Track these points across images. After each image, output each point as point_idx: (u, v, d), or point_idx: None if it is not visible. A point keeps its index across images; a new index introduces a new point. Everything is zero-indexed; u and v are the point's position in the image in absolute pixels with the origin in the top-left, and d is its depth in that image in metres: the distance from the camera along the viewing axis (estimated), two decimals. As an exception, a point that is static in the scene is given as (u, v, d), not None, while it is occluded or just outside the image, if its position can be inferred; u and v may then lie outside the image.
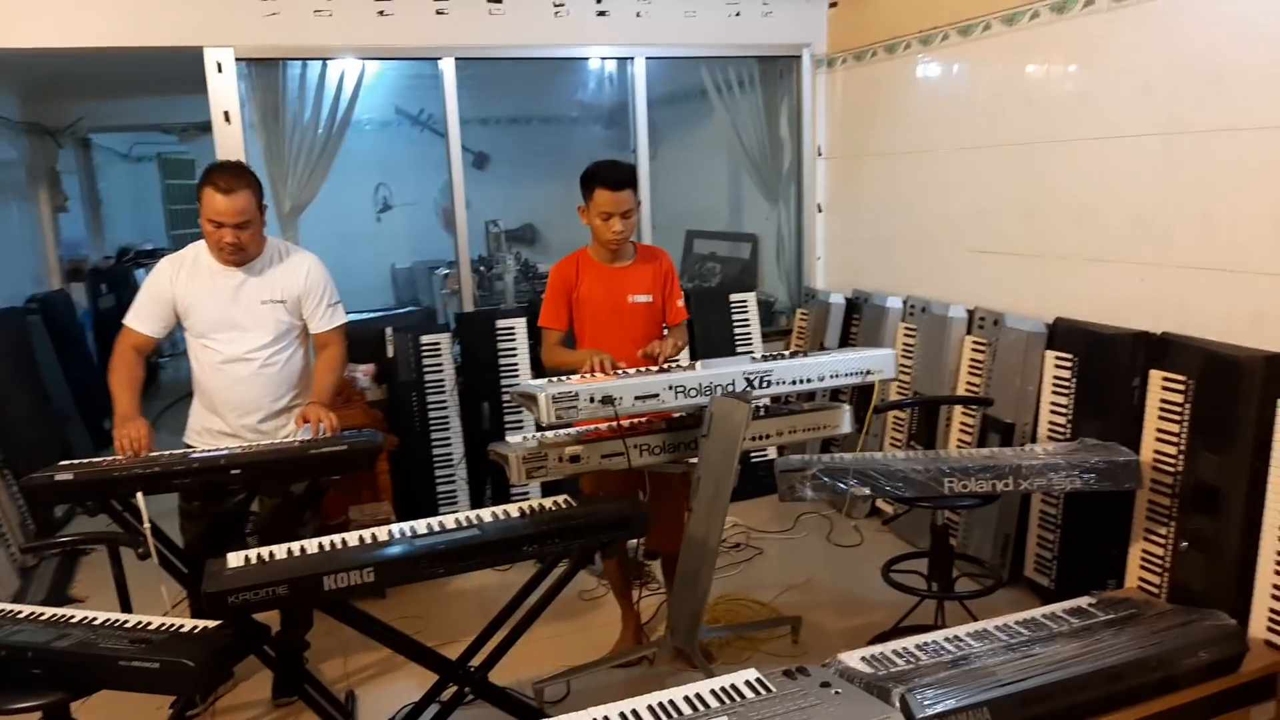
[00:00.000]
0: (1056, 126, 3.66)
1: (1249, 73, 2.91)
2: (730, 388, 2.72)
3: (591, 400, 2.59)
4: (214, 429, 3.10)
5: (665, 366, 2.86)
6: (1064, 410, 3.50)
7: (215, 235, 2.93)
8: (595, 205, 3.03)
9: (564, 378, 2.89)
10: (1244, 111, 2.94)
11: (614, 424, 2.78)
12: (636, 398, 2.63)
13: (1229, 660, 2.53)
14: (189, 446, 3.09)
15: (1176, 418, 3.05)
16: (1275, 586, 2.71)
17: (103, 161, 8.82)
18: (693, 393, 2.69)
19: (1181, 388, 3.04)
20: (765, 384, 2.76)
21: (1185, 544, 3.01)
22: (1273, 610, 2.71)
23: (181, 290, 3.01)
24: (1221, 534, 2.90)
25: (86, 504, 2.78)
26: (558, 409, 2.57)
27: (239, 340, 3.03)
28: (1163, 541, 3.09)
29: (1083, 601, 2.82)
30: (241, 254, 2.97)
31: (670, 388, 2.67)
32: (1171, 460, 3.06)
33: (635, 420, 2.90)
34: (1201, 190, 3.11)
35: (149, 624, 2.33)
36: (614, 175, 3.02)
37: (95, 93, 6.63)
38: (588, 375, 2.81)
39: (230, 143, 4.15)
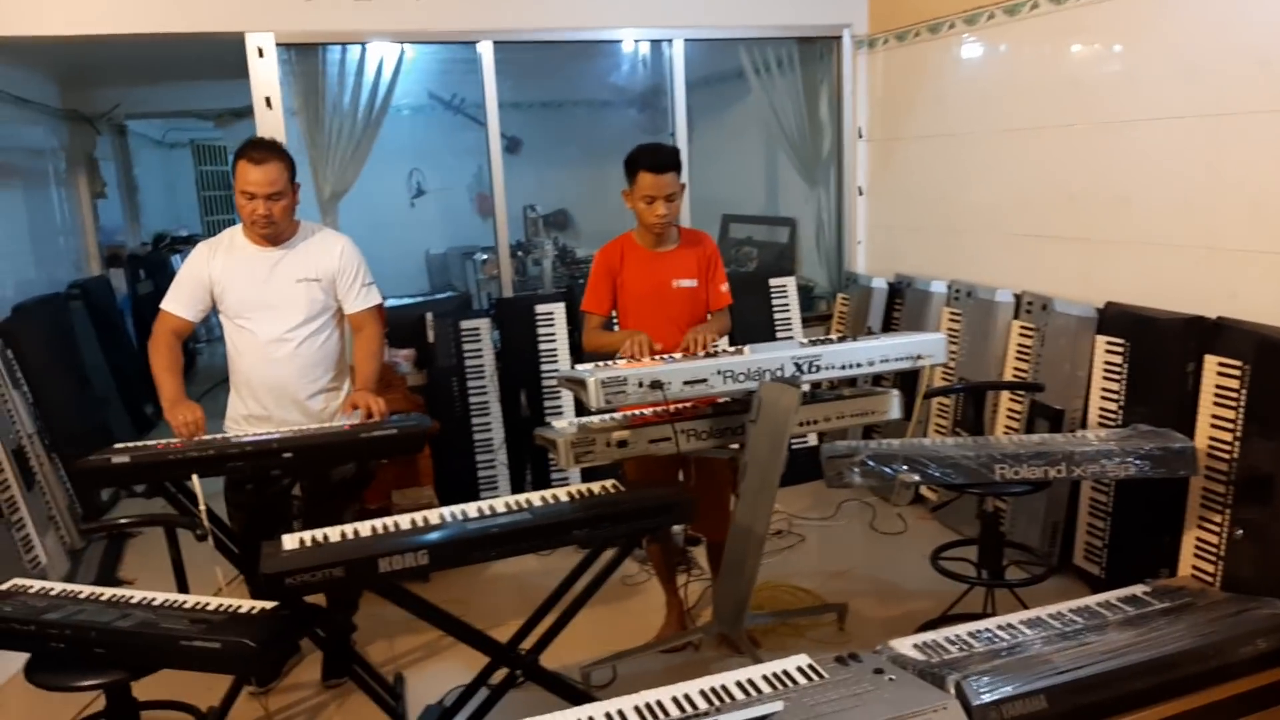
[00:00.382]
0: (1102, 108, 3.60)
1: (1310, 51, 2.85)
2: (779, 373, 2.70)
3: (640, 385, 2.57)
4: (253, 414, 3.12)
5: (712, 351, 2.85)
6: (1115, 396, 3.45)
7: (248, 208, 2.94)
8: (639, 189, 3.01)
9: (608, 361, 2.89)
10: (1300, 92, 2.88)
11: (662, 408, 2.78)
12: (685, 383, 2.62)
13: (1287, 650, 2.50)
14: (227, 434, 3.12)
15: (1232, 403, 3.00)
16: (1335, 575, 2.66)
17: (137, 148, 8.89)
18: (741, 378, 2.67)
19: (1237, 373, 2.99)
20: (814, 369, 2.74)
21: (1240, 532, 2.96)
22: (1332, 599, 2.66)
23: (218, 272, 3.03)
24: (1275, 522, 2.85)
25: (138, 487, 2.82)
26: (606, 393, 2.56)
27: (274, 320, 3.04)
28: (1217, 529, 3.04)
29: (1137, 590, 2.79)
30: (274, 228, 2.99)
31: (719, 372, 2.65)
32: (1226, 447, 3.01)
33: (680, 405, 2.89)
34: (1249, 174, 3.06)
35: (207, 605, 2.36)
36: (657, 158, 3.01)
37: (132, 79, 6.68)
38: (627, 358, 2.81)
39: (271, 128, 4.16)
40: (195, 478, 2.67)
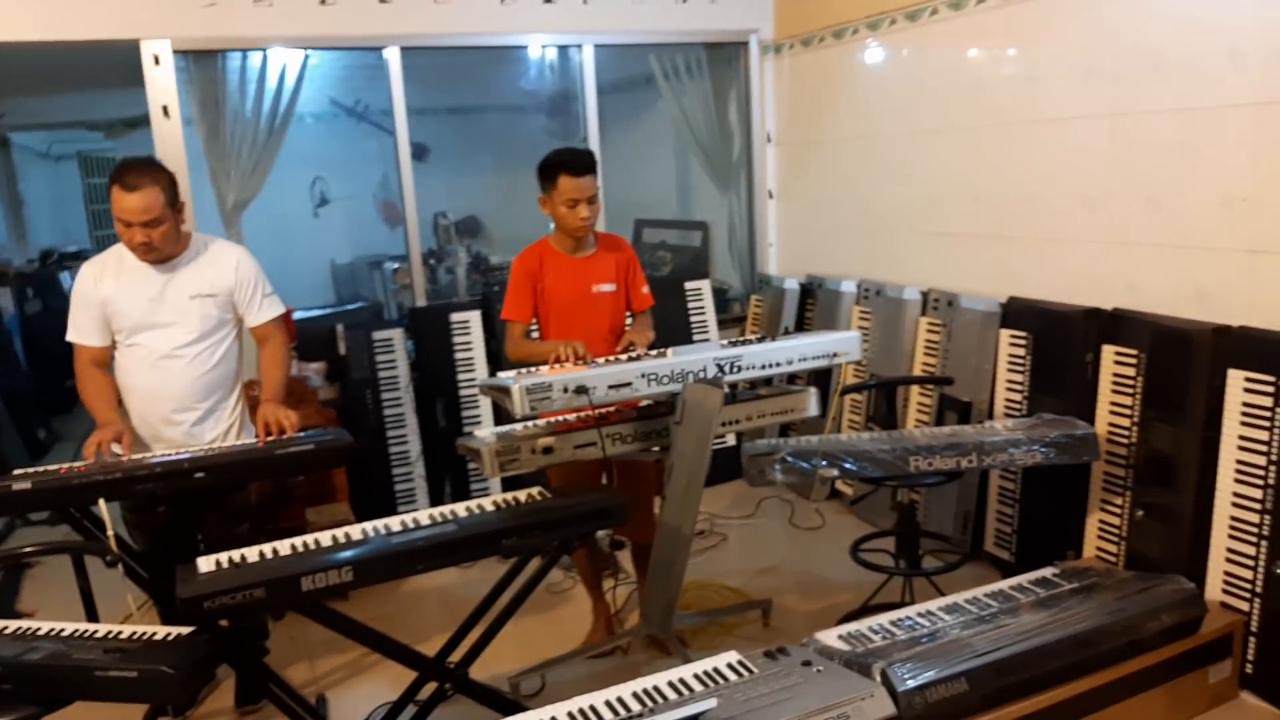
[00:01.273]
0: (1004, 110, 3.74)
1: (1190, 56, 3.00)
2: (702, 374, 2.73)
3: (565, 390, 2.57)
4: (145, 436, 3.00)
5: (636, 355, 2.86)
6: (1020, 387, 3.58)
7: (126, 235, 2.82)
8: (560, 193, 3.01)
9: (534, 369, 2.87)
10: (1186, 94, 3.04)
11: (588, 414, 2.78)
12: (610, 387, 2.62)
13: (1190, 623, 2.64)
14: (116, 455, 2.99)
15: (1130, 391, 3.15)
16: (1229, 550, 2.81)
17: (21, 161, 8.49)
18: (665, 380, 2.69)
19: (1134, 361, 3.14)
20: (736, 369, 2.78)
21: (1140, 513, 3.11)
22: (1228, 574, 2.82)
23: (107, 292, 2.90)
24: (1175, 502, 3.00)
25: (36, 514, 2.69)
26: (532, 400, 2.55)
27: (167, 337, 2.92)
28: (1119, 511, 3.19)
29: (1047, 572, 2.91)
30: (155, 253, 2.86)
31: (643, 375, 2.67)
32: (1125, 432, 3.16)
33: (605, 409, 2.89)
34: (1146, 170, 3.21)
35: (120, 633, 2.27)
36: (578, 161, 3.01)
37: (16, 89, 6.37)
38: (561, 365, 2.80)
39: (170, 138, 4.03)
40: (102, 502, 2.56)
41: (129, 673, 2.09)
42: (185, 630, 2.29)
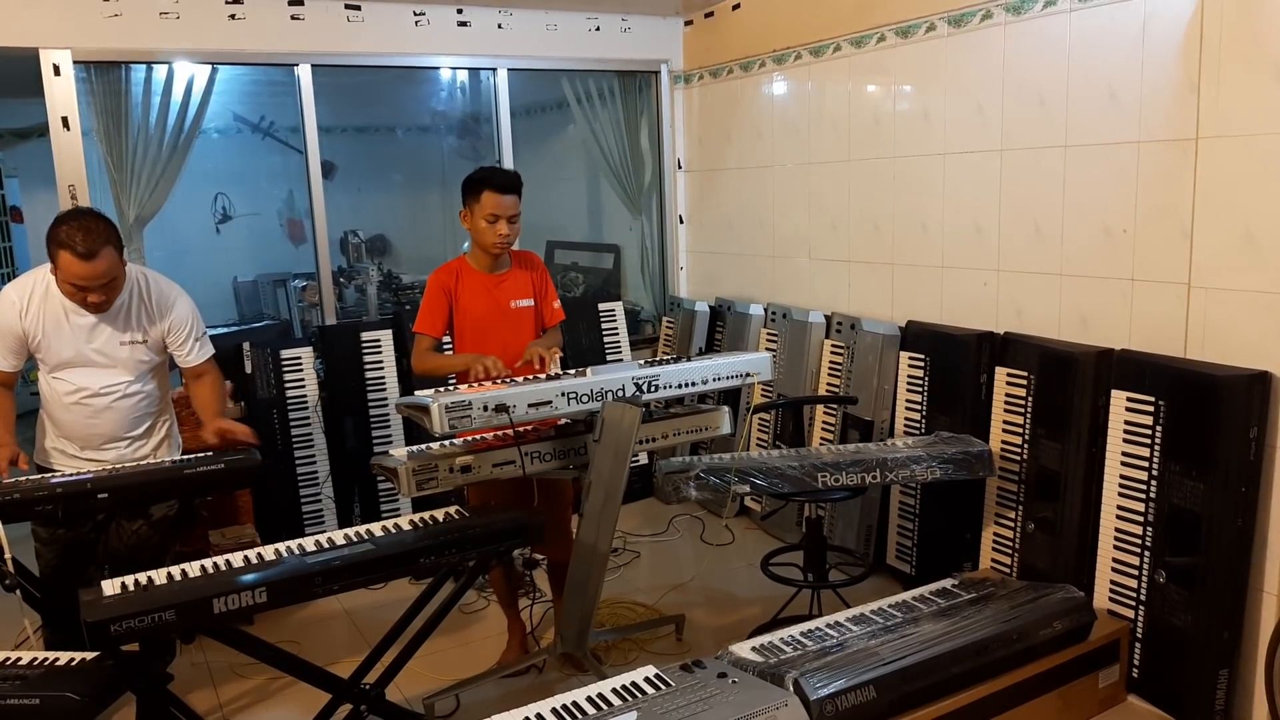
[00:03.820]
0: (900, 143, 3.92)
1: (1074, 96, 3.21)
2: (621, 393, 2.78)
3: (485, 409, 2.59)
4: (64, 451, 2.92)
5: (555, 374, 2.90)
6: (918, 406, 3.74)
7: (76, 297, 2.72)
8: (482, 208, 3.03)
9: (450, 385, 2.88)
10: (1069, 131, 3.24)
11: (505, 432, 2.80)
12: (530, 405, 2.65)
13: (1080, 630, 2.79)
14: (40, 467, 2.89)
15: (1020, 410, 3.32)
16: (1115, 561, 2.99)
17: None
18: (585, 399, 2.73)
19: (1024, 383, 3.32)
20: (653, 388, 2.84)
21: (1032, 526, 3.28)
22: (1114, 582, 2.99)
23: (31, 324, 2.80)
24: (1062, 515, 3.17)
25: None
26: (450, 419, 2.55)
27: (94, 377, 2.86)
28: (1012, 525, 3.35)
29: (946, 583, 3.04)
30: (106, 307, 2.79)
31: (563, 394, 2.70)
32: (1017, 449, 3.33)
33: (523, 427, 2.91)
34: (1032, 202, 3.40)
35: (18, 659, 2.18)
36: (503, 179, 3.05)
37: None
38: (479, 381, 2.81)
39: (70, 150, 3.90)
40: (-1, 524, 2.47)
41: (30, 700, 2.02)
42: (89, 655, 2.22)
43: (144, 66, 4.11)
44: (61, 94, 3.88)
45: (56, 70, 3.86)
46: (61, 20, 3.82)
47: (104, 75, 4.03)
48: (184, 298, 3.01)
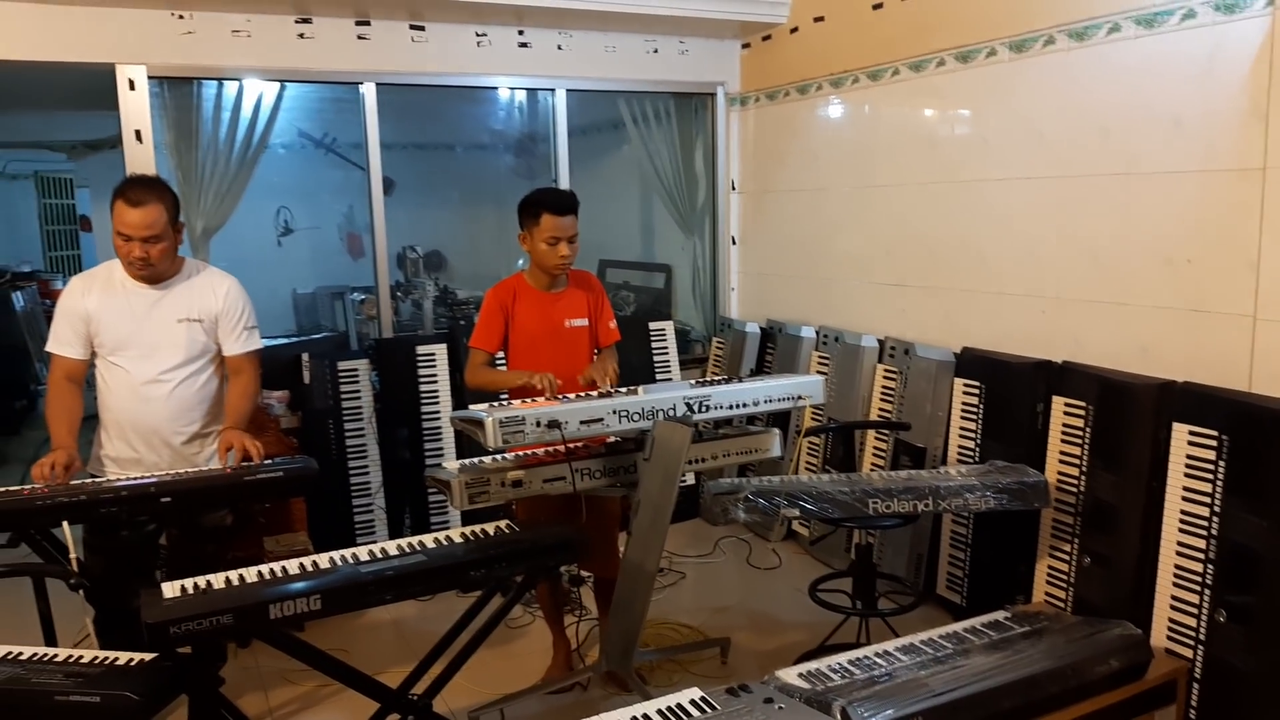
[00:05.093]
0: (957, 168, 3.89)
1: (1136, 124, 3.17)
2: (672, 412, 2.79)
3: (538, 425, 2.61)
4: (122, 457, 2.99)
5: (606, 391, 2.91)
6: (972, 434, 3.69)
7: (124, 249, 2.84)
8: (542, 231, 3.07)
9: (502, 401, 2.91)
10: (1131, 159, 3.20)
11: (556, 448, 2.82)
12: (582, 422, 2.67)
13: (1136, 668, 2.72)
14: (94, 475, 2.97)
15: (1077, 440, 3.27)
16: (1174, 598, 2.92)
17: (-25, 179, 8.38)
18: (636, 417, 2.75)
19: (1082, 413, 3.26)
20: (705, 408, 2.84)
21: (1087, 559, 3.22)
22: (1172, 620, 2.92)
23: (93, 305, 2.90)
24: (1119, 549, 3.11)
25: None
26: (504, 433, 2.58)
27: (151, 360, 2.93)
28: (1067, 558, 3.29)
29: (998, 615, 2.98)
30: (151, 269, 2.89)
31: (614, 412, 2.72)
32: (1074, 481, 3.27)
33: (573, 444, 2.93)
34: (1092, 230, 3.36)
35: (80, 658, 2.24)
36: (561, 201, 3.08)
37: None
38: (534, 398, 2.84)
39: (142, 162, 4.02)
40: (66, 525, 2.54)
41: (91, 698, 2.07)
42: (146, 656, 2.28)
43: (215, 83, 4.25)
44: (135, 108, 4.02)
45: (131, 85, 3.99)
46: (138, 37, 3.96)
47: (176, 90, 4.16)
48: (239, 285, 3.11)
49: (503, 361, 3.31)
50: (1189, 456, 2.90)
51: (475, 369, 3.18)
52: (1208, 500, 2.84)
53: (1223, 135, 2.90)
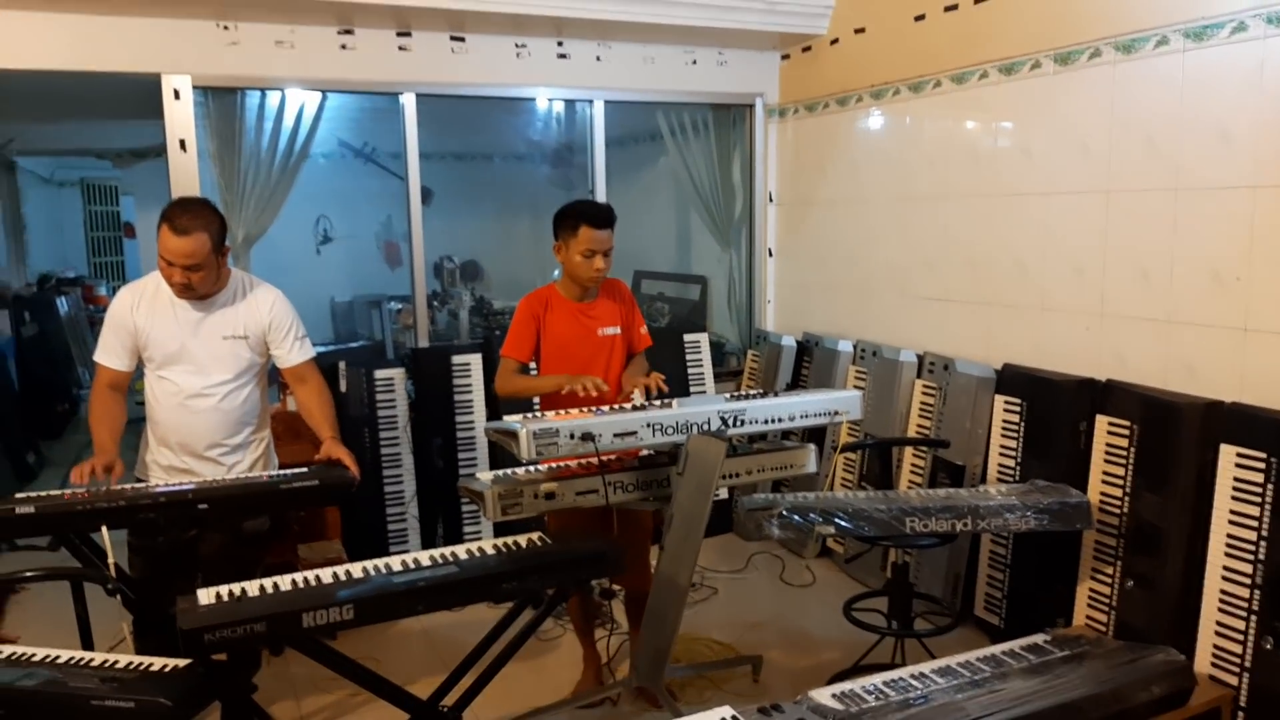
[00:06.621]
0: (999, 181, 3.84)
1: (1183, 137, 3.11)
2: (706, 426, 2.77)
3: (572, 437, 2.60)
4: (165, 464, 3.02)
5: (641, 404, 2.90)
6: (1013, 453, 3.63)
7: (167, 273, 2.86)
8: (578, 242, 3.07)
9: (537, 413, 2.91)
10: (1178, 173, 3.13)
11: (590, 461, 2.80)
12: (615, 435, 2.66)
13: (1179, 694, 2.65)
14: (139, 480, 3.00)
15: (1121, 460, 3.20)
16: (1219, 624, 2.84)
17: (24, 185, 8.54)
18: (670, 430, 2.73)
19: (1126, 432, 3.20)
20: (739, 423, 2.82)
21: (1130, 583, 3.14)
22: (1217, 647, 2.85)
23: (142, 320, 2.94)
24: (1163, 573, 3.04)
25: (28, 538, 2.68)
26: (538, 445, 2.57)
27: (198, 375, 2.96)
28: (1109, 580, 3.22)
29: (1038, 638, 2.92)
30: (191, 294, 2.91)
31: (648, 425, 2.70)
32: (1117, 502, 3.20)
33: (607, 457, 2.92)
34: (1138, 246, 3.30)
35: (115, 662, 2.25)
36: (599, 214, 3.08)
37: (28, 114, 6.44)
38: (570, 408, 2.84)
39: (185, 170, 4.09)
40: (105, 530, 2.56)
41: (126, 703, 2.08)
42: (180, 662, 2.29)
43: (258, 92, 4.30)
44: (180, 117, 4.07)
45: (176, 94, 4.05)
46: (183, 47, 4.02)
47: (220, 100, 4.22)
48: (284, 298, 3.12)
49: (534, 372, 3.31)
50: (1236, 479, 2.83)
51: (506, 376, 3.18)
52: (1255, 524, 2.76)
53: (1272, 149, 2.83)
